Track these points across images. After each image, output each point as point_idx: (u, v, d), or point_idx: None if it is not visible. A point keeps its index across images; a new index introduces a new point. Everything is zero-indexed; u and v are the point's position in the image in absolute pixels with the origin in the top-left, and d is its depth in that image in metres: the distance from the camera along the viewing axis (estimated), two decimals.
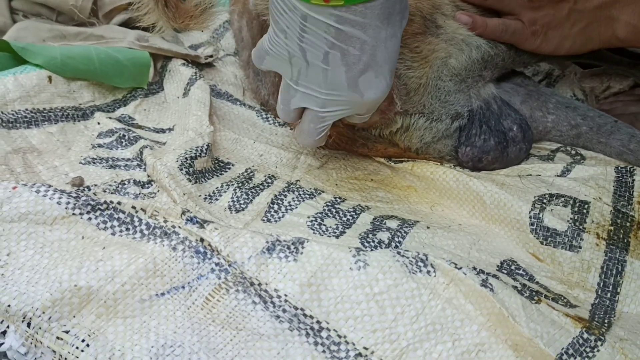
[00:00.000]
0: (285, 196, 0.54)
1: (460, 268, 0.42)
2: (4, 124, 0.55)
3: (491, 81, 0.58)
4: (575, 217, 0.49)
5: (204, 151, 0.54)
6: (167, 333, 0.39)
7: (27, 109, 0.57)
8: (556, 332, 0.40)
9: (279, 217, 0.51)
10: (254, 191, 0.54)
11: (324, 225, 0.50)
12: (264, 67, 0.49)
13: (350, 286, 0.42)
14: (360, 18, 0.42)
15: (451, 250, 0.48)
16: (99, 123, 0.59)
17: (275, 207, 0.52)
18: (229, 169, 0.57)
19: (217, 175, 0.55)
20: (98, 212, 0.45)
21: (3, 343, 0.37)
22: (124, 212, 0.45)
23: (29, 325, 0.37)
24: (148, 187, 0.51)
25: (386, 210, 0.53)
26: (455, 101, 0.56)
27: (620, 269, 0.47)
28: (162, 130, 0.61)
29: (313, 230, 0.50)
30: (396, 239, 0.49)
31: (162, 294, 0.41)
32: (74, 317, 0.39)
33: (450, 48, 0.55)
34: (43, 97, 0.59)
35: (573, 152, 0.59)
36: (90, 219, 0.44)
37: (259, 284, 0.42)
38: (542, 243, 0.49)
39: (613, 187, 0.52)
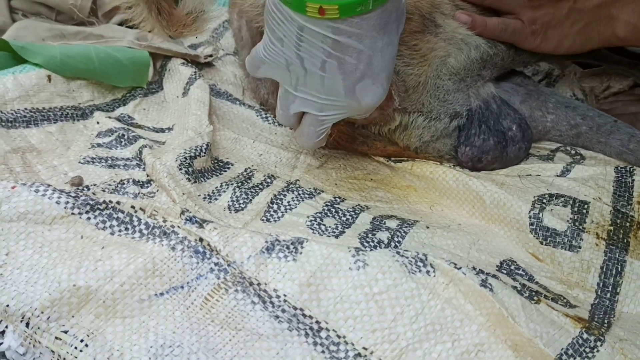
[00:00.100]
0: (285, 196, 0.54)
1: (460, 268, 0.42)
2: (3, 124, 0.55)
3: (490, 81, 0.58)
4: (575, 217, 0.49)
5: (204, 151, 0.54)
6: (166, 333, 0.39)
7: (26, 109, 0.57)
8: (556, 332, 0.40)
9: (279, 217, 0.51)
10: (254, 191, 0.54)
11: (324, 225, 0.50)
12: (259, 74, 0.49)
13: (349, 286, 0.42)
14: (356, 29, 0.42)
15: (451, 250, 0.48)
16: (98, 122, 0.59)
17: (275, 206, 0.52)
18: (229, 168, 0.57)
19: (217, 175, 0.55)
20: (97, 212, 0.45)
21: (2, 343, 0.37)
22: (123, 212, 0.45)
23: (27, 325, 0.37)
24: (147, 187, 0.51)
25: (386, 210, 0.53)
26: (454, 100, 0.56)
27: (619, 269, 0.47)
28: (162, 130, 0.61)
29: (312, 230, 0.49)
30: (396, 239, 0.48)
31: (161, 294, 0.41)
32: (73, 317, 0.38)
33: (449, 47, 0.55)
34: (42, 96, 0.59)
35: (573, 152, 0.59)
36: (89, 218, 0.44)
37: (258, 284, 0.42)
38: (541, 243, 0.49)
39: (613, 187, 0.52)
